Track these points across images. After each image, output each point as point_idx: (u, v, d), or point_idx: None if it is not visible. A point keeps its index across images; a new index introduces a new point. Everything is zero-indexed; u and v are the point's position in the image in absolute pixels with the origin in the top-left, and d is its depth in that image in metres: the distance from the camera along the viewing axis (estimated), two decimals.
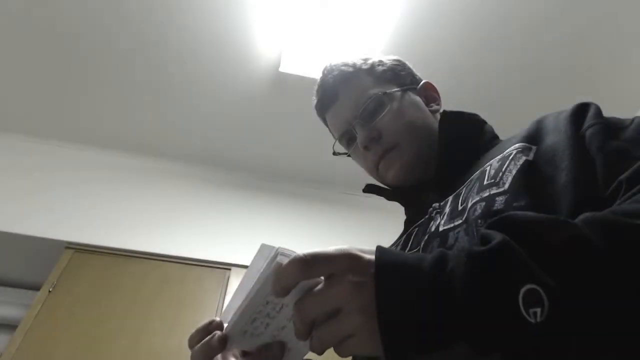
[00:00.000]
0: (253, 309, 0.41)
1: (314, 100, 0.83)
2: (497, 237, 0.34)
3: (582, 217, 0.36)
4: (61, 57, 2.08)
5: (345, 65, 0.79)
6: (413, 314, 0.32)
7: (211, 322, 0.47)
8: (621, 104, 2.14)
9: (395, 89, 0.76)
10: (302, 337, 0.37)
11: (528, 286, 0.30)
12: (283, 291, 0.36)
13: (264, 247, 0.46)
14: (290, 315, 0.40)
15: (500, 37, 1.96)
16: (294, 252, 0.38)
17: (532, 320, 0.30)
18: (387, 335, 0.32)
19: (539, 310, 0.30)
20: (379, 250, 0.36)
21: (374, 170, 0.76)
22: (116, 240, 2.16)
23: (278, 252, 0.38)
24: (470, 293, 0.31)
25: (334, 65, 0.80)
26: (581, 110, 0.56)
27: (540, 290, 0.30)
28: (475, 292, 0.31)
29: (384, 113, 0.73)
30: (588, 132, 0.52)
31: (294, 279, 0.35)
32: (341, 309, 0.34)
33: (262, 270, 0.40)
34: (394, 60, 0.82)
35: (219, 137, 2.48)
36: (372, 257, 0.36)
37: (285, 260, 0.36)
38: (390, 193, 0.78)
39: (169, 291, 2.03)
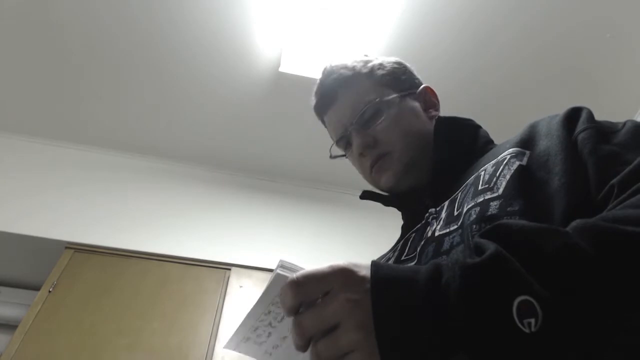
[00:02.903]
0: (256, 316, 0.42)
1: (313, 101, 0.83)
2: (491, 247, 0.34)
3: (573, 224, 0.36)
4: (61, 57, 2.08)
5: (345, 68, 0.78)
6: (410, 327, 0.33)
7: None
8: (621, 104, 2.14)
9: (393, 95, 0.76)
10: (300, 350, 0.38)
11: (521, 297, 0.31)
12: (290, 313, 0.38)
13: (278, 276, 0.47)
14: (291, 326, 0.41)
15: (500, 37, 1.95)
16: (295, 265, 0.39)
17: (527, 331, 0.30)
18: (386, 350, 0.33)
19: (533, 320, 0.30)
20: (374, 264, 0.37)
21: (369, 176, 0.76)
22: (116, 240, 2.17)
23: (279, 264, 0.39)
24: (465, 305, 0.32)
25: (334, 67, 0.80)
26: (573, 115, 0.56)
27: (534, 302, 0.31)
28: (470, 305, 0.32)
29: (380, 120, 0.73)
30: (580, 137, 0.52)
31: (291, 301, 0.37)
32: (339, 325, 0.35)
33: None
34: (395, 63, 0.81)
35: (219, 137, 2.48)
36: (367, 272, 0.36)
37: (284, 272, 0.37)
38: (386, 199, 0.78)
39: (168, 291, 2.03)
